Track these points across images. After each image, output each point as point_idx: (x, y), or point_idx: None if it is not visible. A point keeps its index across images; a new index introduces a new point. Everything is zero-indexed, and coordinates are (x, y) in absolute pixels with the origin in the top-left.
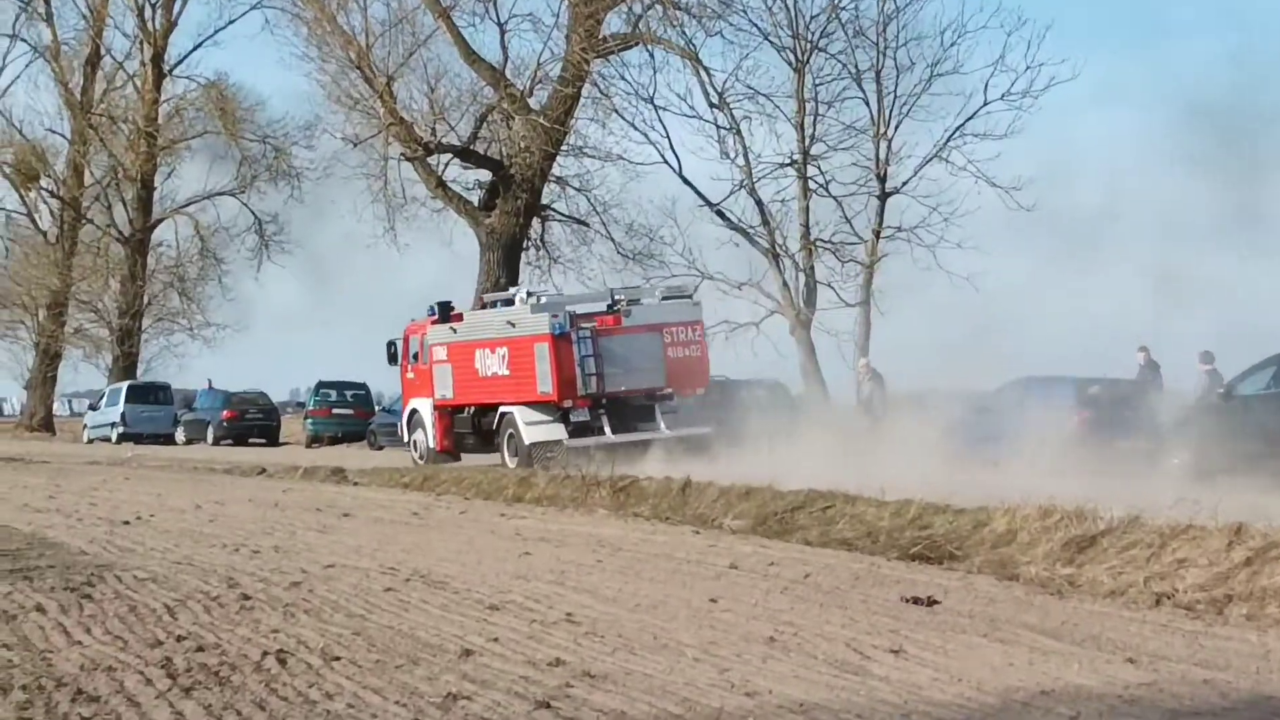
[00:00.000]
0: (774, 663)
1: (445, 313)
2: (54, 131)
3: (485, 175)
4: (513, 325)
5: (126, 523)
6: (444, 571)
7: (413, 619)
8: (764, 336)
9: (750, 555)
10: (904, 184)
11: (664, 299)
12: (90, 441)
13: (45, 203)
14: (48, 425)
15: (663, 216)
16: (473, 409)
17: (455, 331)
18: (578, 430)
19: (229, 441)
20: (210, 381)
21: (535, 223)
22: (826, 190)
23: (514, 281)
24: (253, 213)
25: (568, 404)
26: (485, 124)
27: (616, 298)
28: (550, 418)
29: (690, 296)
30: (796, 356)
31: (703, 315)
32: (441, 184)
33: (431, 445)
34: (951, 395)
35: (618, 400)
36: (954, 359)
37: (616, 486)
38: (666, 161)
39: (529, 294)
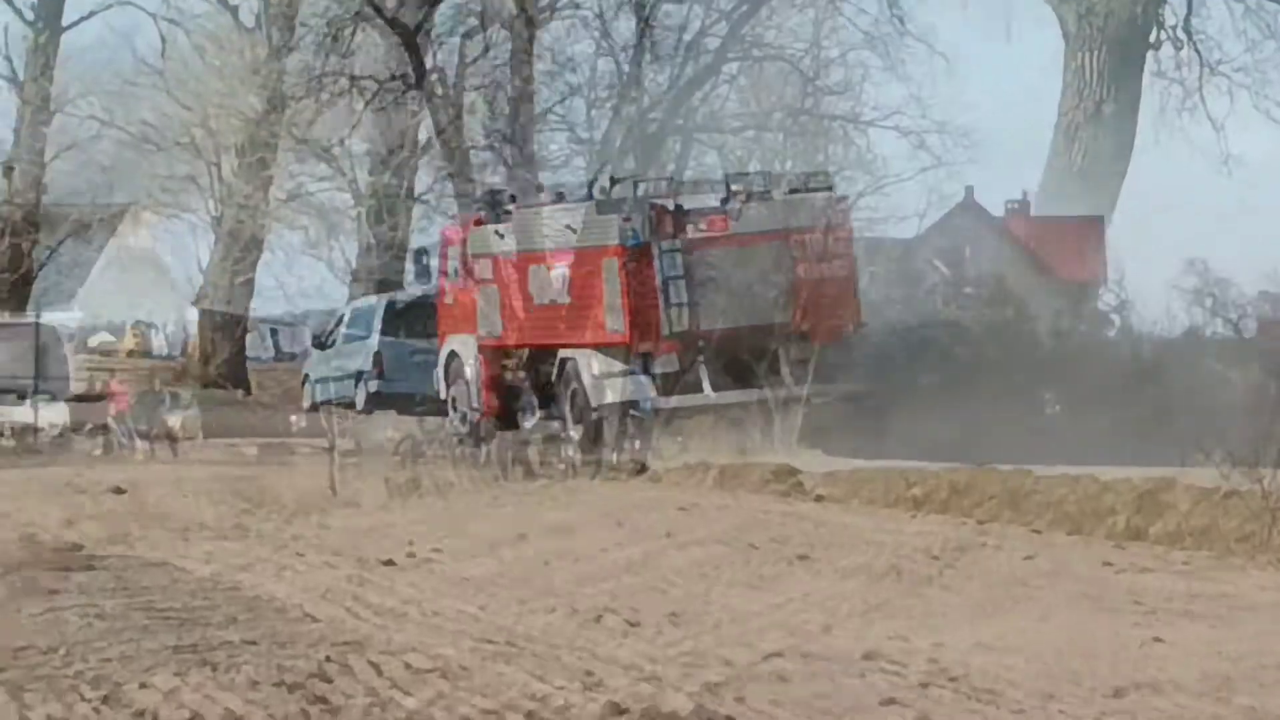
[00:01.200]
0: None
1: (495, 207)
2: None
3: None
4: (573, 231)
5: (388, 563)
6: (992, 668)
7: None
8: None
9: None
10: None
11: (792, 192)
12: (315, 407)
13: None
14: (236, 375)
15: None
16: (527, 352)
17: (502, 237)
18: (665, 386)
19: None
20: None
21: None
22: None
23: (1130, 106)
24: None
25: (647, 348)
26: None
27: (733, 188)
28: (626, 368)
29: (832, 188)
30: None
31: (851, 218)
32: None
33: (476, 405)
34: None
35: (722, 343)
36: None
37: None
38: None
39: (613, 180)
